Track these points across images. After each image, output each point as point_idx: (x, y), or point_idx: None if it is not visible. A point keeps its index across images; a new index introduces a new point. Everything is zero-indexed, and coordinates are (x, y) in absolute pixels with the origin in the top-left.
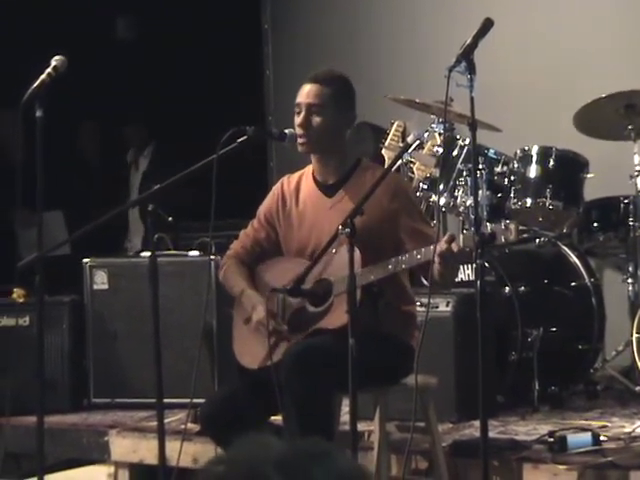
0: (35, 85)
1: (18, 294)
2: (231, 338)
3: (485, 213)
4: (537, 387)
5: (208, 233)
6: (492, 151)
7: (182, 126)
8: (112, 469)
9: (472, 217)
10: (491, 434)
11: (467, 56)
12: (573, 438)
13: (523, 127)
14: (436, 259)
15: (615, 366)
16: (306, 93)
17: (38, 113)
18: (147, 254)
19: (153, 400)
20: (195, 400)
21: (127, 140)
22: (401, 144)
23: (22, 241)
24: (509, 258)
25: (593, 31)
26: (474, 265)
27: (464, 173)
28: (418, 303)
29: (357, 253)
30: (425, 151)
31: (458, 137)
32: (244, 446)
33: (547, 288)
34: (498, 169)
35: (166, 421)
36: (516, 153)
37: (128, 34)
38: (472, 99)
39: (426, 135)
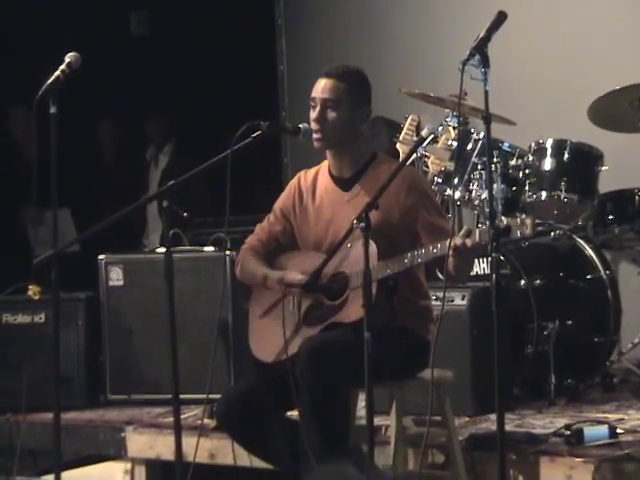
0: (49, 82)
1: (33, 291)
2: (247, 333)
3: (500, 206)
4: (553, 380)
5: (223, 229)
6: (506, 144)
7: (197, 122)
8: (129, 465)
9: (487, 211)
10: (508, 427)
11: (481, 49)
12: (590, 431)
13: (537, 120)
14: (452, 253)
15: (631, 358)
16: (321, 88)
17: (52, 110)
18: (162, 250)
19: (169, 396)
20: (211, 396)
21: (148, 136)
22: (415, 138)
23: (33, 238)
24: (524, 251)
25: (607, 24)
26: (489, 258)
27: (479, 167)
28: (434, 297)
29: (373, 247)
30: (439, 145)
31: (472, 131)
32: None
33: (562, 281)
34: (513, 162)
35: (182, 417)
36: (530, 146)
37: (141, 30)
38: (486, 92)
39: (440, 129)
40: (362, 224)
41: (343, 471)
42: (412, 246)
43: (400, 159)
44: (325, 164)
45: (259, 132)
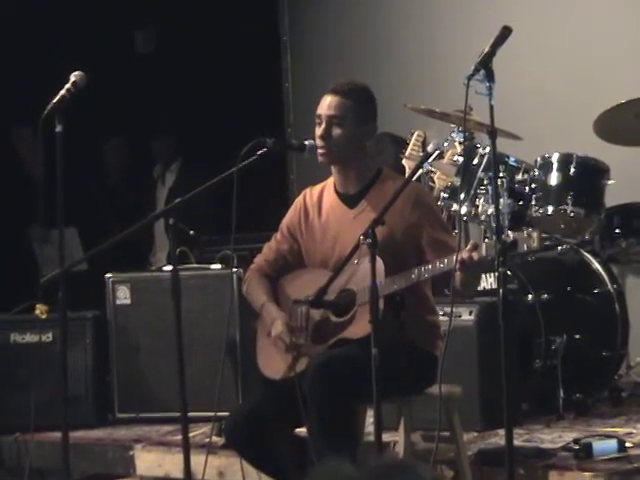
0: (54, 101)
1: (41, 310)
2: (254, 351)
3: (506, 221)
4: (562, 394)
5: (230, 246)
6: (512, 159)
7: (203, 140)
8: None
9: (493, 225)
10: (516, 442)
11: (486, 64)
12: (598, 445)
13: (543, 134)
14: (459, 267)
15: (639, 372)
16: (327, 105)
17: (58, 128)
18: (169, 268)
19: (177, 414)
20: (219, 413)
21: (155, 154)
22: (421, 153)
23: (40, 257)
24: (531, 266)
25: (612, 36)
26: (496, 273)
27: (485, 181)
28: (441, 312)
29: (380, 263)
30: (445, 160)
31: (478, 145)
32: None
33: (570, 295)
34: (519, 177)
35: (191, 435)
36: (536, 161)
37: (147, 48)
38: (491, 107)
39: (446, 144)
40: (369, 240)
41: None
42: (418, 262)
43: (406, 175)
44: (330, 181)
45: (265, 149)
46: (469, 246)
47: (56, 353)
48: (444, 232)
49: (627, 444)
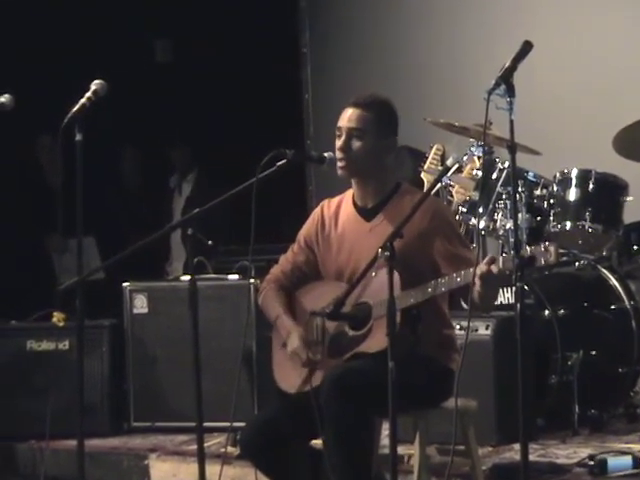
0: (75, 109)
1: (58, 318)
2: (271, 361)
3: (525, 236)
4: (577, 410)
5: (248, 257)
6: (531, 174)
7: (221, 150)
8: None
9: (512, 240)
10: (531, 457)
11: (506, 79)
12: (613, 461)
13: (562, 150)
14: (476, 281)
15: None
16: (347, 117)
17: (78, 137)
18: (187, 278)
19: (193, 424)
20: (235, 424)
21: (172, 164)
22: (440, 167)
23: (58, 266)
24: (549, 281)
25: (632, 53)
26: (514, 288)
27: (503, 196)
28: (458, 326)
29: (396, 275)
30: (464, 174)
31: (497, 160)
32: None
33: (587, 311)
34: (537, 192)
35: (206, 445)
36: (555, 176)
37: (166, 57)
38: (511, 122)
39: (465, 158)
40: (387, 253)
41: None
42: (434, 275)
43: (424, 188)
44: (349, 193)
45: (284, 160)
46: (486, 259)
47: (72, 361)
48: (462, 246)
49: None
